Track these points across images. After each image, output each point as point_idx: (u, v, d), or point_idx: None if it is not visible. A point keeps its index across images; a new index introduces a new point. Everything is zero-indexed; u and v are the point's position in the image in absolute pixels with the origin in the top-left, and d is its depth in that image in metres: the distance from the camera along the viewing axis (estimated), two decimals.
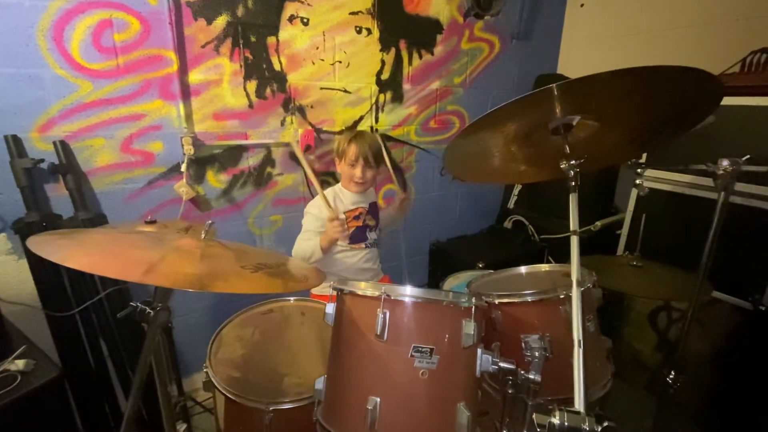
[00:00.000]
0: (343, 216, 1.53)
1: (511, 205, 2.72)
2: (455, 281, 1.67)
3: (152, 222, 1.25)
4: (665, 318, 1.63)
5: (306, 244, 1.55)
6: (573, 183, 0.75)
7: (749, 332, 1.45)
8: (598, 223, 2.19)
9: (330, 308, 0.88)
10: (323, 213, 1.49)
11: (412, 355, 0.75)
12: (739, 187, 1.48)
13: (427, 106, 2.28)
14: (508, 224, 2.53)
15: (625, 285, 1.23)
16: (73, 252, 0.68)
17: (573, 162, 0.75)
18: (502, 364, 0.83)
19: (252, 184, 1.88)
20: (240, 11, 1.65)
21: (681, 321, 1.38)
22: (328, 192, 1.65)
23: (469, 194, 2.61)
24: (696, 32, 2.08)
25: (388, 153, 1.80)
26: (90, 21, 1.41)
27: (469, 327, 0.78)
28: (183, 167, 1.65)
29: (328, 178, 2.07)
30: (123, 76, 1.50)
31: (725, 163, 0.86)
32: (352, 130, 1.90)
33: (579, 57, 2.68)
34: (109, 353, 1.51)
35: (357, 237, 1.66)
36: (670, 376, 1.08)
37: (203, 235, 0.84)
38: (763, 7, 1.85)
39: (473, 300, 0.80)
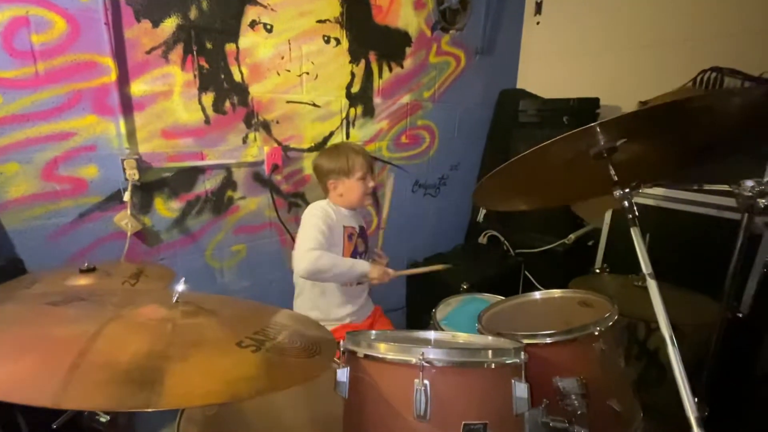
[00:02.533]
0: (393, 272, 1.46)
1: (480, 218, 2.69)
2: (447, 309, 1.55)
3: (90, 270, 1.00)
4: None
5: (338, 258, 1.39)
6: (631, 215, 0.66)
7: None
8: (572, 236, 2.20)
9: (342, 375, 0.71)
10: (332, 223, 1.41)
11: None
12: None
13: (398, 120, 2.17)
14: (482, 240, 2.48)
15: (641, 311, 1.19)
16: None
17: (627, 190, 0.66)
18: (552, 425, 0.72)
19: (210, 210, 1.63)
20: (193, 13, 1.43)
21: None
22: (325, 202, 1.50)
23: (440, 210, 2.53)
24: (648, 52, 2.19)
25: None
26: None
27: (522, 389, 0.65)
28: (126, 195, 1.37)
29: (296, 199, 1.87)
30: (44, 87, 1.21)
31: (750, 183, 0.83)
32: (334, 148, 1.63)
33: (537, 72, 2.74)
34: None
35: None
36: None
37: (175, 298, 0.63)
38: (710, 29, 1.98)
39: (522, 356, 0.67)
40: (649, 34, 2.18)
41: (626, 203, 0.67)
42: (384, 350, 0.66)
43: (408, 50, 2.11)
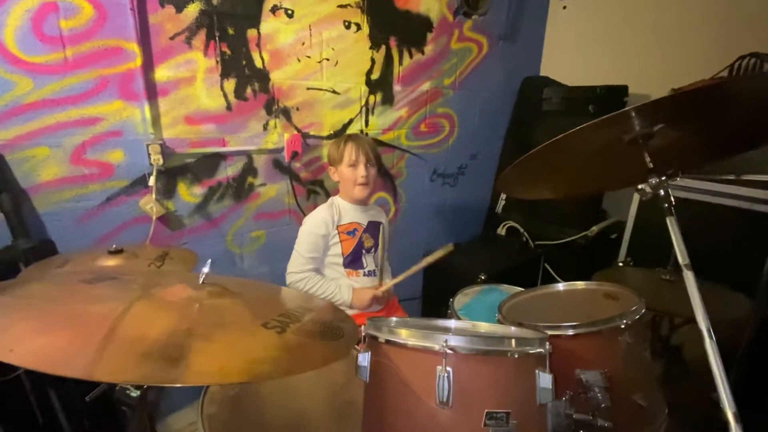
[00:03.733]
0: (380, 291, 1.43)
1: (499, 210, 2.64)
2: (465, 299, 1.54)
3: (118, 251, 1.02)
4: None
5: (319, 287, 1.40)
6: (667, 204, 0.63)
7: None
8: (595, 228, 2.15)
9: (363, 360, 0.71)
10: (328, 230, 1.41)
11: (486, 424, 0.60)
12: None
13: (417, 108, 2.14)
14: (501, 230, 2.44)
15: (667, 305, 1.15)
16: (5, 335, 0.47)
17: (663, 178, 0.63)
18: (576, 416, 0.70)
19: (231, 196, 1.65)
20: None
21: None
22: (325, 206, 1.49)
23: (458, 200, 2.50)
24: (682, 36, 2.09)
25: None
26: (29, 4, 1.14)
27: (546, 380, 0.64)
28: (151, 180, 1.39)
29: (315, 187, 1.88)
30: (73, 72, 1.24)
31: None
32: (341, 136, 1.67)
33: (562, 59, 2.65)
34: (63, 411, 1.23)
35: (352, 261, 1.49)
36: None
37: (202, 279, 0.64)
38: (749, 11, 1.87)
39: (547, 346, 0.66)
40: (683, 17, 2.07)
41: (662, 192, 0.64)
42: (406, 336, 0.66)
43: (429, 36, 2.06)
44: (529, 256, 2.23)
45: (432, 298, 2.33)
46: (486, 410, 0.60)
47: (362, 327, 0.75)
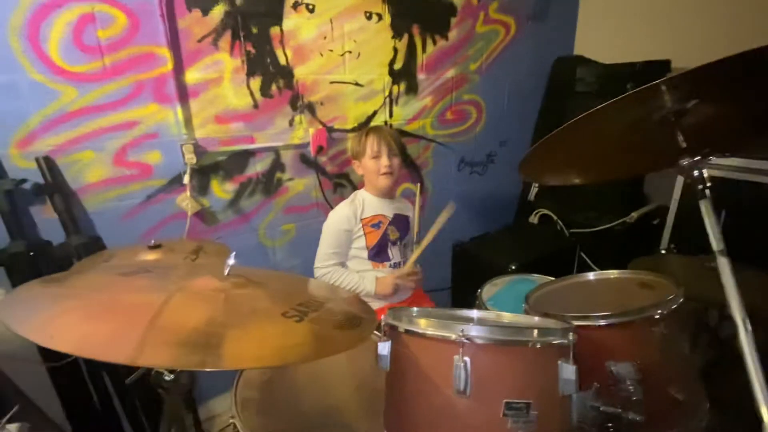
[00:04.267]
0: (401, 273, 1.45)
1: (531, 197, 2.56)
2: (493, 289, 1.52)
3: (156, 246, 1.09)
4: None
5: (344, 278, 1.43)
6: (701, 186, 0.59)
7: None
8: (634, 214, 2.04)
9: (384, 349, 0.72)
10: (351, 225, 1.43)
11: (505, 414, 0.59)
12: None
13: (442, 96, 2.11)
14: (533, 219, 2.37)
15: (708, 294, 1.08)
16: (52, 319, 0.52)
17: (698, 158, 0.59)
18: (603, 409, 0.68)
19: (261, 191, 1.71)
20: None
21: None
22: (348, 201, 1.51)
23: (488, 188, 2.45)
24: (731, 2, 1.90)
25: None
26: (69, 16, 1.22)
27: (569, 371, 0.63)
28: (186, 178, 1.47)
29: (341, 180, 1.90)
30: (111, 79, 1.32)
31: None
32: (362, 130, 1.64)
33: (597, 37, 2.50)
34: (117, 395, 1.34)
35: (378, 253, 1.50)
36: None
37: (227, 272, 0.68)
38: None
39: (570, 336, 0.64)
40: None
41: (696, 173, 0.60)
42: (424, 326, 0.66)
43: (453, 21, 2.01)
44: (563, 245, 2.15)
45: (462, 288, 2.31)
46: (505, 400, 0.59)
47: (383, 317, 0.76)
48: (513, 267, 1.83)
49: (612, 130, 0.66)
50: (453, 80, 2.11)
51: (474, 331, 0.61)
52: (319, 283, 0.82)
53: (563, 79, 2.37)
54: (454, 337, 0.61)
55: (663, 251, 1.77)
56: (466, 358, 0.60)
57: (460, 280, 2.30)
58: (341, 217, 1.47)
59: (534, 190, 2.54)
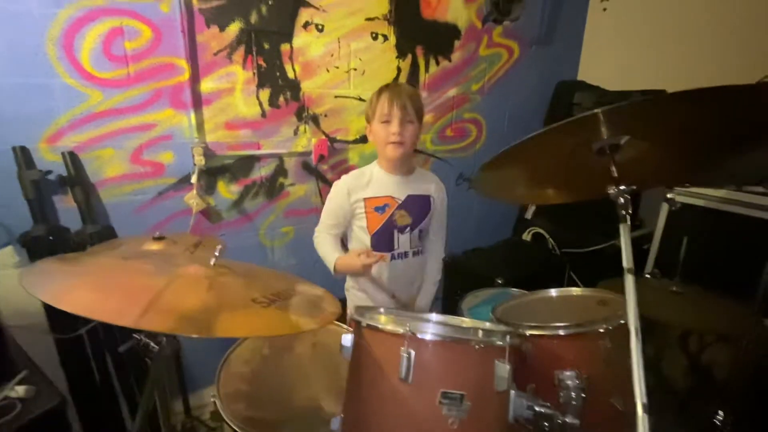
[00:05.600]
0: (372, 257, 1.17)
1: (528, 215, 2.62)
2: (475, 300, 1.59)
3: (160, 238, 1.20)
4: (697, 342, 1.52)
5: (324, 247, 1.31)
6: (623, 211, 0.66)
7: None
8: None
9: (347, 340, 0.81)
10: (348, 201, 1.26)
11: (440, 402, 0.67)
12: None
13: (443, 113, 2.21)
14: (527, 236, 2.43)
15: (662, 313, 1.13)
16: (67, 288, 0.62)
17: (623, 188, 0.67)
18: (537, 409, 0.75)
19: (264, 194, 1.83)
20: (254, 18, 1.60)
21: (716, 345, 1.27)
22: (355, 173, 1.35)
23: (485, 204, 2.52)
24: (729, 38, 1.97)
25: None
26: (101, 29, 1.37)
27: (503, 369, 0.70)
28: (193, 178, 1.59)
29: None
30: (133, 85, 1.46)
31: None
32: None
33: (601, 62, 2.58)
34: (116, 373, 1.45)
35: (381, 240, 1.29)
36: (718, 417, 0.98)
37: (213, 262, 0.78)
38: None
39: (508, 339, 0.72)
40: (728, 19, 1.95)
41: (621, 200, 0.67)
42: (382, 321, 0.75)
43: (457, 43, 2.12)
44: (553, 263, 2.20)
45: (451, 299, 2.37)
46: (441, 389, 0.67)
47: (349, 312, 0.85)
48: (500, 281, 1.89)
49: (557, 156, 0.75)
50: (454, 99, 2.21)
51: (421, 328, 0.70)
52: (297, 279, 0.91)
53: (563, 103, 2.45)
54: (401, 331, 0.70)
55: (647, 275, 1.81)
56: (411, 350, 0.68)
57: (449, 291, 2.37)
58: (339, 189, 1.30)
59: (531, 209, 2.60)
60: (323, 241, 1.34)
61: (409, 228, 1.31)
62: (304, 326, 0.63)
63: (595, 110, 0.63)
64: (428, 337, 0.70)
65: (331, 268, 1.27)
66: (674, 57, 2.18)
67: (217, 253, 0.79)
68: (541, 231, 2.34)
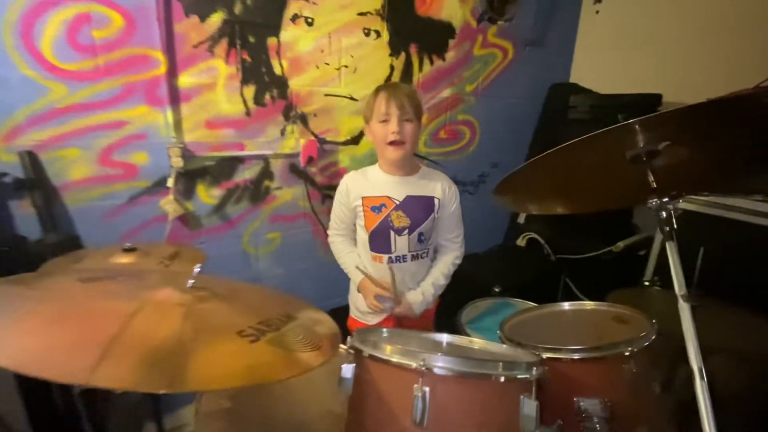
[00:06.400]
0: (383, 293, 1.21)
1: (521, 220, 2.57)
2: (475, 311, 1.51)
3: (131, 249, 1.07)
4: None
5: (344, 258, 1.34)
6: (668, 227, 0.58)
7: None
8: (621, 244, 2.04)
9: (347, 371, 0.70)
10: (348, 199, 1.28)
11: None
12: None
13: (437, 115, 2.12)
14: (521, 242, 2.37)
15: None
16: (2, 330, 0.50)
17: (666, 199, 0.59)
18: None
19: (247, 199, 1.70)
20: (238, 8, 1.48)
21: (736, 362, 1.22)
22: (357, 171, 1.32)
23: (478, 209, 2.44)
24: (723, 41, 1.94)
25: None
26: (65, 15, 1.22)
27: (531, 407, 0.61)
28: (170, 181, 1.46)
29: (330, 191, 1.89)
30: (103, 79, 1.32)
31: None
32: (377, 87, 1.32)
33: (593, 65, 2.54)
34: (83, 407, 1.30)
35: (378, 240, 1.26)
36: None
37: (190, 283, 0.66)
38: None
39: (534, 371, 0.63)
40: (724, 22, 1.93)
41: (664, 214, 0.60)
42: (388, 352, 0.65)
43: (451, 42, 2.04)
44: (549, 270, 2.15)
45: (446, 308, 2.28)
46: None
47: (348, 338, 0.74)
48: (497, 289, 1.82)
49: (586, 164, 0.67)
50: (448, 100, 2.13)
51: (436, 362, 0.60)
52: (290, 300, 0.80)
53: (557, 106, 2.40)
54: (414, 365, 0.60)
55: (646, 283, 1.77)
56: (426, 388, 0.59)
57: (444, 300, 2.28)
58: (339, 189, 1.31)
59: (523, 213, 2.55)
60: (341, 249, 1.36)
61: (407, 230, 1.26)
62: (301, 366, 0.52)
63: (639, 119, 0.55)
64: (445, 372, 0.60)
65: (356, 281, 1.31)
66: (667, 60, 2.16)
67: (195, 273, 0.67)
68: (537, 237, 2.28)
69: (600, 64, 2.50)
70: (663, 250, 1.76)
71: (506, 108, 2.36)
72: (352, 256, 1.34)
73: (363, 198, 1.26)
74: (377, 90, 1.22)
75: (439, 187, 1.30)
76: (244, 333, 0.56)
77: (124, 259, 1.05)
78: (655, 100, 2.01)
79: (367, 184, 1.27)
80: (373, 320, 1.35)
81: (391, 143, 1.18)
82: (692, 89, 2.02)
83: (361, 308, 1.37)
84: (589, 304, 1.06)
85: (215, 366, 0.48)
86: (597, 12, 2.49)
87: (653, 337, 0.84)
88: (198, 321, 0.59)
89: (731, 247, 1.34)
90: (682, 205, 0.66)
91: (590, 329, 0.98)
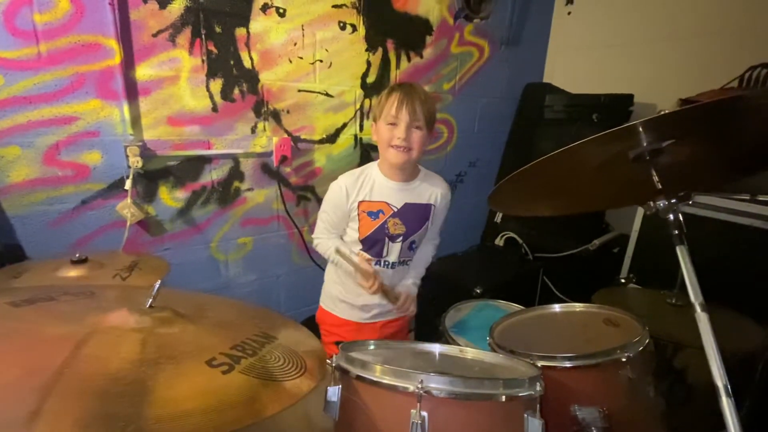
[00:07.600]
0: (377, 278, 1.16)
1: (498, 219, 2.57)
2: (458, 314, 1.47)
3: (82, 261, 0.95)
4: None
5: (329, 242, 1.24)
6: (677, 231, 0.55)
7: None
8: (596, 242, 2.07)
9: (333, 395, 0.63)
10: (343, 202, 1.18)
11: None
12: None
13: None
14: (499, 241, 2.36)
15: (673, 333, 1.07)
16: None
17: (673, 200, 0.56)
18: None
19: (216, 201, 1.58)
20: None
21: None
22: (355, 172, 1.24)
23: (456, 208, 2.41)
24: (691, 44, 2.01)
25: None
26: None
27: (536, 426, 0.56)
28: (128, 183, 1.33)
29: (306, 193, 1.81)
30: (47, 68, 1.18)
31: None
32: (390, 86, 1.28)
33: (566, 66, 2.58)
34: None
35: (370, 246, 1.22)
36: None
37: (149, 303, 0.57)
38: (762, 21, 1.80)
39: (537, 387, 0.58)
40: (691, 25, 2.00)
41: (671, 217, 0.56)
42: (379, 373, 0.59)
43: (428, 39, 2.00)
44: (527, 269, 2.14)
45: (426, 311, 2.24)
46: None
47: (333, 357, 0.67)
48: (478, 291, 1.79)
49: (585, 165, 0.63)
50: None
51: (434, 383, 0.54)
52: (267, 312, 0.72)
53: (533, 105, 2.41)
54: (411, 388, 0.54)
55: (622, 280, 1.79)
56: (424, 413, 0.53)
57: (424, 303, 2.24)
58: (335, 190, 1.20)
59: (501, 213, 2.55)
60: (321, 246, 1.28)
61: (401, 237, 1.23)
62: (288, 396, 0.45)
63: (644, 120, 0.51)
64: (444, 395, 0.54)
65: (332, 252, 1.22)
66: (638, 62, 2.21)
67: (155, 290, 0.58)
68: (515, 236, 2.28)
69: (572, 65, 2.54)
70: (637, 247, 1.80)
71: (483, 107, 2.35)
72: (335, 240, 1.26)
73: (359, 202, 1.19)
74: (391, 89, 1.14)
75: (436, 194, 1.27)
76: (215, 362, 0.48)
77: (73, 273, 0.93)
78: (627, 100, 2.05)
79: (365, 188, 1.19)
80: (343, 312, 1.30)
81: (394, 147, 1.11)
82: (662, 90, 2.09)
83: (339, 296, 1.29)
84: (578, 306, 1.03)
85: (179, 409, 0.40)
86: (569, 13, 2.52)
87: (647, 341, 0.82)
88: (158, 349, 0.50)
89: (714, 247, 1.37)
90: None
91: (581, 333, 0.95)
